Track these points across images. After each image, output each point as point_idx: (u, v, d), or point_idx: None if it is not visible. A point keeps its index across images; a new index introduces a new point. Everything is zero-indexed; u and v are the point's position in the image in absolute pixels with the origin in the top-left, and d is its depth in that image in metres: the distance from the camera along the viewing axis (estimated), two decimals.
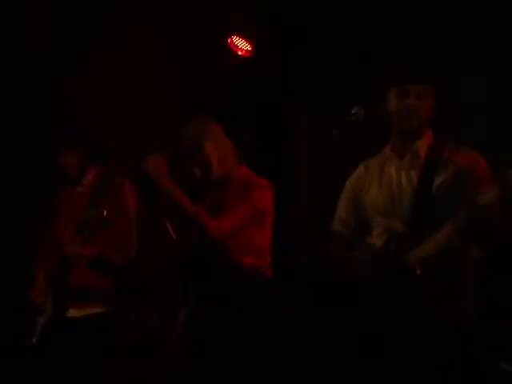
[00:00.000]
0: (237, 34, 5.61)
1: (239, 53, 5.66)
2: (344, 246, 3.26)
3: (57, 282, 3.75)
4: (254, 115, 5.75)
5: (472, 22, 4.45)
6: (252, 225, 3.41)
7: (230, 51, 5.66)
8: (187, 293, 4.63)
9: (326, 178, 2.75)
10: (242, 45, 5.66)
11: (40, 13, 5.10)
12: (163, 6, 5.19)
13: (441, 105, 3.11)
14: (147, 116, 6.31)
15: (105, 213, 3.49)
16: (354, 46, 5.07)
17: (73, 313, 3.76)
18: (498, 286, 3.74)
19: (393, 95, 3.07)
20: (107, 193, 3.83)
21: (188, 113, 3.62)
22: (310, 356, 4.12)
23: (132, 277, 3.85)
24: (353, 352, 3.00)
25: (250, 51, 5.65)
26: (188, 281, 3.91)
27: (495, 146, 3.62)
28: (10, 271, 4.89)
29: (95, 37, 5.33)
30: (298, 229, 5.48)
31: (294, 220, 5.52)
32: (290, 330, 3.77)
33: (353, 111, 3.01)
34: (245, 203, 3.38)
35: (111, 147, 6.61)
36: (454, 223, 2.78)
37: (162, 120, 5.85)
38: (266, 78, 5.77)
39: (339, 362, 3.10)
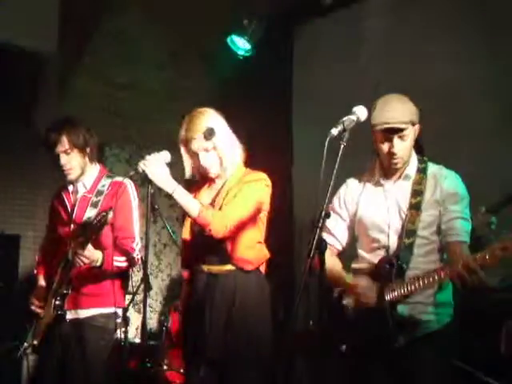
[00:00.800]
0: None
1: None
2: (333, 254, 3.39)
3: (58, 284, 3.72)
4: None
5: None
6: (252, 219, 3.40)
7: None
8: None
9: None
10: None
11: None
12: None
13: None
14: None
15: (106, 213, 3.48)
16: None
17: (75, 314, 3.74)
18: None
19: (377, 137, 3.18)
20: (108, 193, 3.84)
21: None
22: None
23: None
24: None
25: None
26: None
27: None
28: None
29: None
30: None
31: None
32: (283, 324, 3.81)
33: None
34: (245, 198, 3.37)
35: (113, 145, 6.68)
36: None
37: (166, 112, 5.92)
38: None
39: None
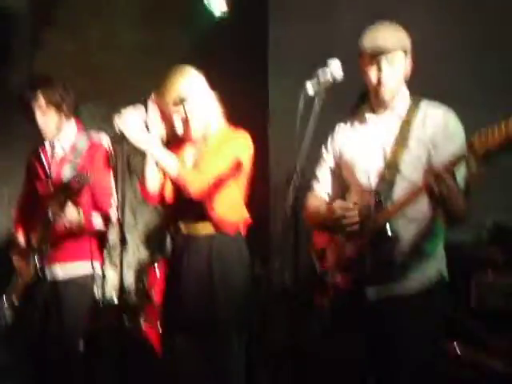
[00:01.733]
0: None
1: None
2: (320, 201, 3.25)
3: (38, 243, 3.74)
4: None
5: None
6: (231, 178, 3.37)
7: None
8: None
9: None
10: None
11: None
12: None
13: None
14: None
15: (86, 175, 3.46)
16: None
17: (54, 272, 3.77)
18: None
19: (365, 63, 3.00)
20: (86, 151, 3.81)
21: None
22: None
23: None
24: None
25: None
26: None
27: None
28: None
29: None
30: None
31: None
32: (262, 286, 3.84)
33: None
34: (223, 156, 3.34)
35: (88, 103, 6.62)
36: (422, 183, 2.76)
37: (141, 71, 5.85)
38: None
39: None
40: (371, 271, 2.91)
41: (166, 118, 3.38)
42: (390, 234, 2.86)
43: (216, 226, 3.35)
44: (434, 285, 2.96)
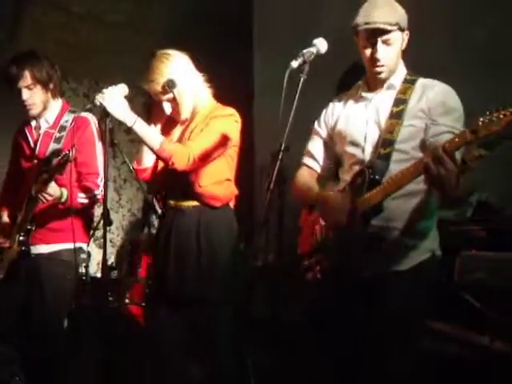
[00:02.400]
0: None
1: None
2: (312, 177, 3.22)
3: (22, 221, 3.72)
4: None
5: None
6: (218, 153, 3.38)
7: None
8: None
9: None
10: None
11: None
12: None
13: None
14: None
15: (69, 152, 3.43)
16: None
17: (39, 250, 3.76)
18: None
19: (360, 41, 2.96)
20: (71, 129, 3.78)
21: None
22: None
23: None
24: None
25: None
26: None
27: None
28: None
29: None
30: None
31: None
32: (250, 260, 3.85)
33: None
34: (210, 131, 3.35)
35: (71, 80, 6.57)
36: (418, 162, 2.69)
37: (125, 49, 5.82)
38: None
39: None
40: (363, 249, 2.88)
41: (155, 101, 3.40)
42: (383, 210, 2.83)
43: (204, 200, 3.37)
44: (427, 262, 2.94)
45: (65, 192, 3.63)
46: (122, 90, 3.22)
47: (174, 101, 3.37)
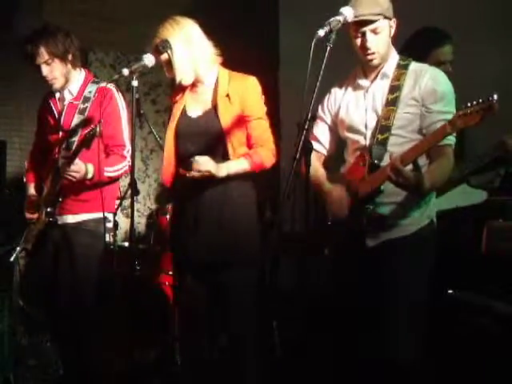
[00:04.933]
0: None
1: None
2: (319, 160, 3.39)
3: (49, 192, 3.74)
4: None
5: None
6: (247, 116, 3.39)
7: None
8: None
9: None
10: None
11: None
12: None
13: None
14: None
15: (95, 128, 3.44)
16: None
17: (66, 220, 3.79)
18: None
19: (351, 32, 3.09)
20: (95, 100, 3.79)
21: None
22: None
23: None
24: None
25: None
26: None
27: None
28: None
29: None
30: None
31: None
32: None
33: None
34: (259, 110, 3.41)
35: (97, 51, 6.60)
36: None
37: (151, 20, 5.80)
38: None
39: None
40: (367, 223, 3.08)
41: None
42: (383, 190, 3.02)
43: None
44: (426, 229, 3.14)
45: (91, 168, 3.63)
46: (149, 60, 3.22)
47: (169, 63, 3.36)
